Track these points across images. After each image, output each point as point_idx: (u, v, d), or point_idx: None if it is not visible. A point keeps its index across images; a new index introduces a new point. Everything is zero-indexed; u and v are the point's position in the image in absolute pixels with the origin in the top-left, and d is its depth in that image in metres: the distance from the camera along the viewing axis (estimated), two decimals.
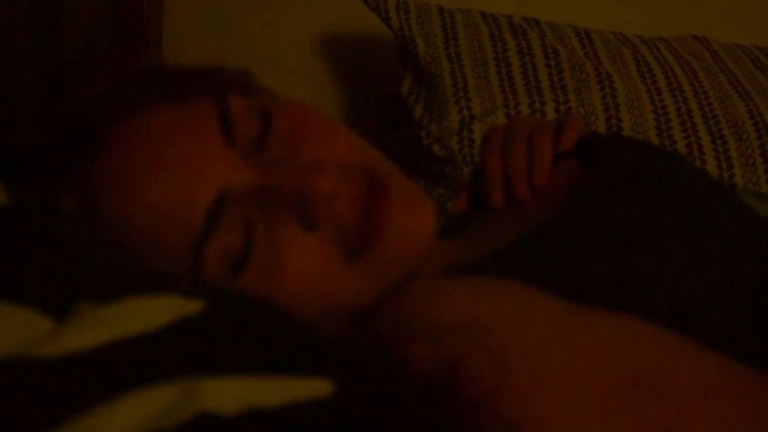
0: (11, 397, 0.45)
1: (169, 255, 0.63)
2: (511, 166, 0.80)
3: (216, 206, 0.63)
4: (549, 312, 0.56)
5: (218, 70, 0.73)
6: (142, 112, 0.66)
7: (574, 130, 0.81)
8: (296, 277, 0.63)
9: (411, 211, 0.67)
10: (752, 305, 0.60)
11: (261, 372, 0.49)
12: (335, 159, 0.66)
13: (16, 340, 0.49)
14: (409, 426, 0.47)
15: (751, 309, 0.60)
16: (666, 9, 1.66)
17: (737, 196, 0.74)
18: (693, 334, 0.56)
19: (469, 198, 0.87)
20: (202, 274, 0.63)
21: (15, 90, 1.07)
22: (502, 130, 0.84)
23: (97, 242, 0.63)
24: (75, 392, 0.47)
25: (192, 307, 0.51)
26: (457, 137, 1.25)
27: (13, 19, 1.13)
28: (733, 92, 1.32)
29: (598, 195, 0.72)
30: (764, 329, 0.59)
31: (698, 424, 0.49)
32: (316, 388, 0.49)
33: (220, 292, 0.55)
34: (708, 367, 0.54)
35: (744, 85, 1.35)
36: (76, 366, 0.48)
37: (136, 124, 0.65)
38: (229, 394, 0.48)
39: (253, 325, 0.52)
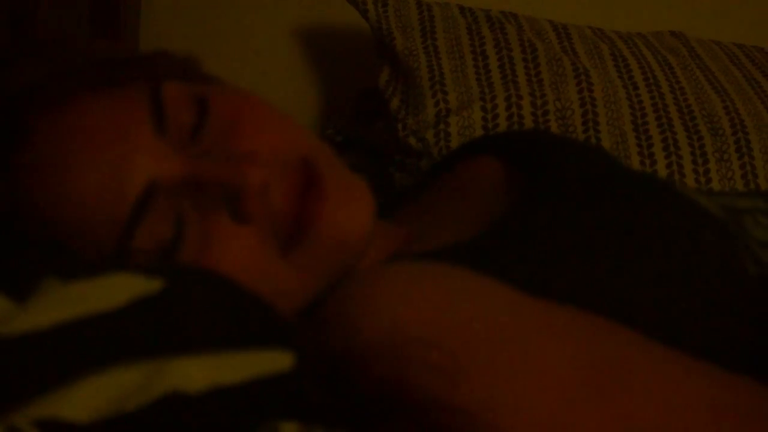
0: None
1: (98, 248, 0.62)
2: None
3: (144, 197, 0.61)
4: (504, 299, 0.56)
5: (158, 56, 0.71)
6: (74, 100, 0.64)
7: None
8: (227, 270, 0.61)
9: (347, 204, 0.66)
10: (704, 303, 0.60)
11: (223, 348, 0.49)
12: (271, 150, 0.65)
13: None
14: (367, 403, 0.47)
15: (702, 307, 0.60)
16: (644, 4, 1.66)
17: (677, 190, 0.73)
18: (650, 334, 0.56)
19: None
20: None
21: None
22: None
23: (30, 235, 0.62)
24: (36, 372, 0.46)
25: (152, 285, 0.51)
26: (433, 130, 1.25)
27: None
28: (710, 88, 1.33)
29: (548, 195, 0.72)
30: (716, 325, 0.59)
31: (658, 412, 0.49)
32: (277, 361, 0.49)
33: (180, 270, 0.54)
34: (667, 359, 0.53)
35: (720, 81, 1.35)
36: (36, 345, 0.48)
37: (65, 113, 0.63)
38: (193, 372, 0.48)
39: (213, 301, 0.52)
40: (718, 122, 1.27)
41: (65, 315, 0.49)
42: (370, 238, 0.68)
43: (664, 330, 0.56)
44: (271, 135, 0.66)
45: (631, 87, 1.29)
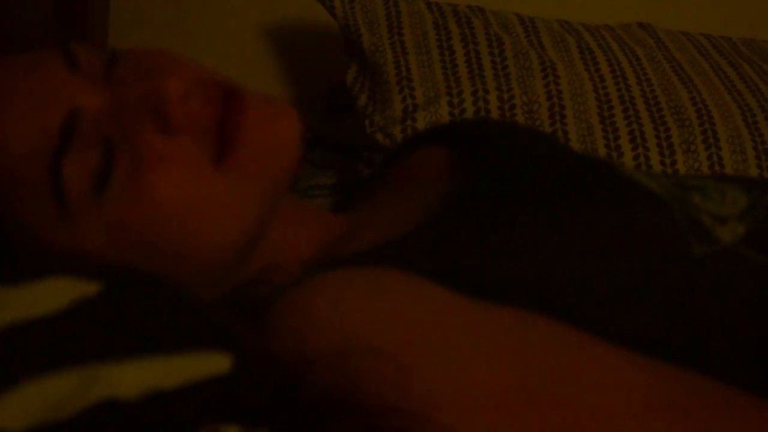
0: None
1: (31, 188, 0.62)
2: None
3: (67, 124, 0.62)
4: (445, 305, 0.56)
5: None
6: None
7: None
8: (162, 185, 0.62)
9: (270, 115, 0.66)
10: (636, 284, 0.60)
11: (160, 352, 0.48)
12: (187, 73, 0.65)
13: None
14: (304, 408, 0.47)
15: (635, 288, 0.59)
16: None
17: (622, 172, 0.72)
18: (596, 330, 0.56)
19: None
20: (65, 197, 0.61)
21: None
22: None
23: None
24: None
25: (90, 288, 0.50)
26: (400, 126, 1.25)
27: None
28: (677, 79, 1.33)
29: (487, 185, 0.71)
30: (649, 306, 0.58)
31: (604, 417, 0.49)
32: (215, 364, 0.49)
33: (118, 273, 0.54)
34: (615, 361, 0.53)
35: (688, 72, 1.35)
36: None
37: None
38: (129, 378, 0.47)
39: (150, 304, 0.51)
40: (685, 113, 1.27)
41: (3, 321, 0.48)
42: (300, 151, 0.68)
43: (598, 314, 0.56)
44: (185, 66, 0.67)
45: (597, 79, 1.29)
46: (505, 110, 1.24)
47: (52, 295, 0.50)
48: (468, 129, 0.84)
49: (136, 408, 0.46)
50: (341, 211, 0.82)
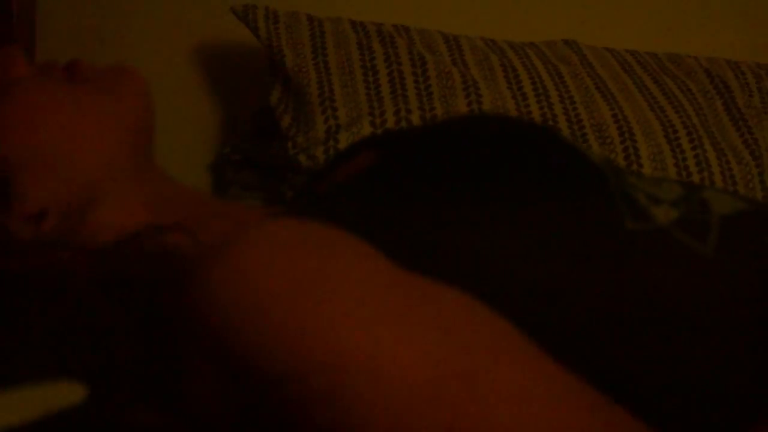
0: None
1: None
2: None
3: None
4: (381, 280, 0.54)
5: None
6: None
7: None
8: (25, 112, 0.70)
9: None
10: (581, 271, 0.59)
11: (14, 386, 0.47)
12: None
13: None
14: None
15: (580, 275, 0.59)
16: (540, 13, 1.66)
17: (558, 137, 0.71)
18: (521, 305, 0.55)
19: None
20: None
21: None
22: None
23: None
24: None
25: None
26: (323, 147, 1.24)
27: None
28: (599, 96, 1.33)
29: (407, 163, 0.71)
30: (575, 276, 0.58)
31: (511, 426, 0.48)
32: (70, 394, 0.48)
33: None
34: (526, 367, 0.52)
35: (610, 88, 1.35)
36: None
37: None
38: None
39: (5, 335, 0.50)
40: (607, 130, 1.27)
41: None
42: (148, 88, 0.77)
43: (523, 289, 0.56)
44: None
45: (520, 98, 1.29)
46: None
47: None
48: (398, 133, 0.83)
49: None
50: None
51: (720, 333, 0.57)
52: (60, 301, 0.54)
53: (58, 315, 0.53)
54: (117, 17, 1.56)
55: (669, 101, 1.35)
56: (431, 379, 0.49)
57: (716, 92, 1.41)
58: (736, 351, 0.57)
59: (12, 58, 0.73)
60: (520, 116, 0.80)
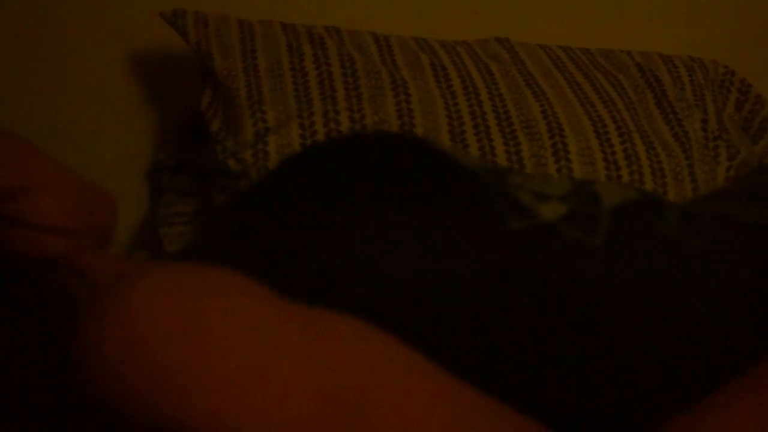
0: None
1: None
2: None
3: None
4: (259, 315, 0.54)
5: None
6: None
7: None
8: None
9: None
10: (458, 273, 0.59)
11: None
12: None
13: None
14: None
15: (457, 277, 0.59)
16: (475, 12, 1.66)
17: (432, 146, 0.71)
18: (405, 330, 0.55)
19: None
20: None
21: None
22: None
23: None
24: None
25: None
26: (251, 150, 1.24)
27: None
28: (529, 93, 1.33)
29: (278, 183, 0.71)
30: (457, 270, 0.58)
31: None
32: None
33: None
34: (416, 385, 0.52)
35: (541, 85, 1.35)
36: None
37: None
38: None
39: None
40: (536, 126, 1.27)
41: None
42: None
43: (408, 299, 0.55)
44: None
45: (449, 96, 1.29)
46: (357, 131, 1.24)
47: None
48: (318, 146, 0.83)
49: None
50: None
51: (606, 320, 0.58)
52: None
53: None
54: (49, 28, 1.55)
55: (599, 96, 1.35)
56: (322, 413, 0.49)
57: (647, 86, 1.42)
58: (623, 337, 0.57)
59: None
60: (395, 131, 0.79)
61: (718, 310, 0.59)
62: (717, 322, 0.58)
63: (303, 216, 0.65)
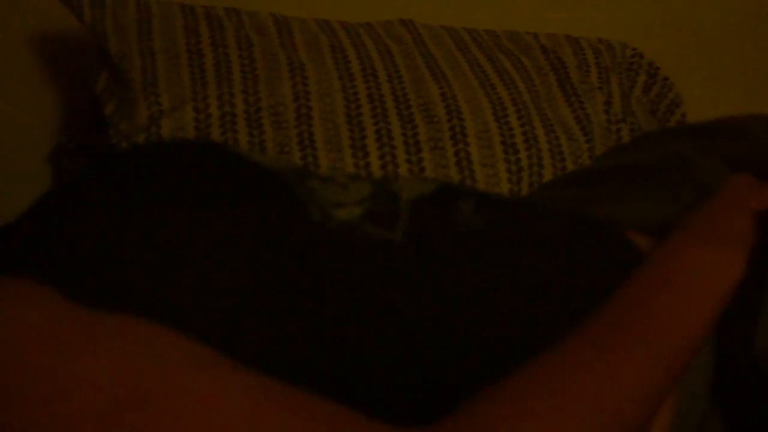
0: None
1: None
2: None
3: None
4: (48, 319, 0.53)
5: None
6: None
7: None
8: None
9: None
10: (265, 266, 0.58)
11: None
12: None
13: None
14: None
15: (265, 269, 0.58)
16: None
17: (239, 155, 0.71)
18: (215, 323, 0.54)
19: None
20: None
21: None
22: None
23: None
24: None
25: None
26: (144, 134, 1.21)
27: None
28: (429, 75, 1.32)
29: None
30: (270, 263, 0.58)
31: None
32: None
33: None
34: (213, 379, 0.51)
35: (442, 67, 1.34)
36: None
37: None
38: None
39: None
40: (434, 109, 1.26)
41: None
42: None
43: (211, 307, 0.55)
44: None
45: (347, 78, 1.28)
46: (251, 114, 1.22)
47: None
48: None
49: None
50: None
51: (403, 312, 0.58)
52: None
53: None
54: None
55: (501, 78, 1.34)
56: (114, 409, 0.48)
57: (551, 68, 1.41)
58: (415, 329, 0.57)
59: None
60: (191, 138, 0.78)
61: (508, 295, 0.60)
62: (506, 307, 0.59)
63: (100, 221, 0.63)
